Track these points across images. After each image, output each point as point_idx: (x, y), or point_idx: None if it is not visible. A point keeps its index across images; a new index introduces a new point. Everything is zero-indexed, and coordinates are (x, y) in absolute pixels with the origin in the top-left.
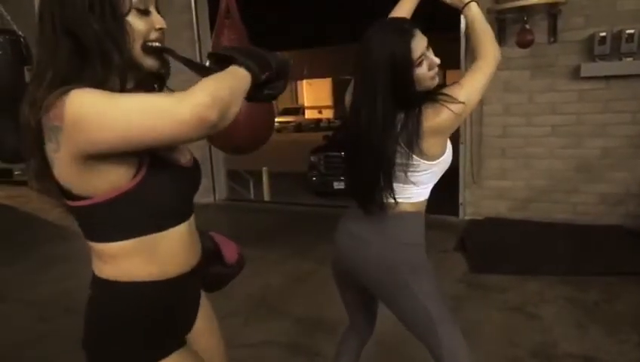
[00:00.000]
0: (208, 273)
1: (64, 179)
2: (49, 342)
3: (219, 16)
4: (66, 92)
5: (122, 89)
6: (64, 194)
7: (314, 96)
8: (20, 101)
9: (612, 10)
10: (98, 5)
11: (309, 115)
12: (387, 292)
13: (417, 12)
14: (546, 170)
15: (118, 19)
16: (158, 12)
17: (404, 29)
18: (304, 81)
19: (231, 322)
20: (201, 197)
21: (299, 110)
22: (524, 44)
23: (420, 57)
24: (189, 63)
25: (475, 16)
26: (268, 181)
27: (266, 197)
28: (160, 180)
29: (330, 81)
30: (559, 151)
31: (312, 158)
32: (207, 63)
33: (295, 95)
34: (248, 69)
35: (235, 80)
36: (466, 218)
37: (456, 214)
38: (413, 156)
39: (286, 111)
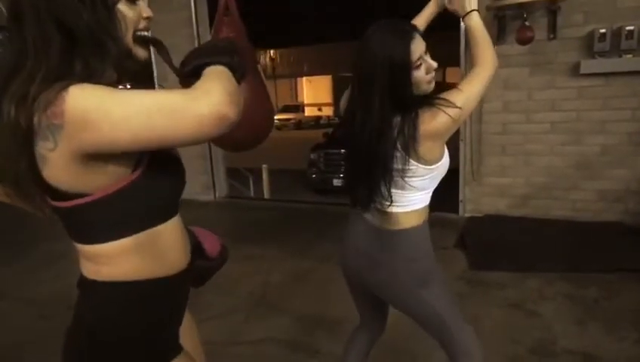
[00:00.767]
0: (192, 268)
1: (57, 179)
2: (49, 341)
3: (217, 13)
4: (65, 88)
5: (119, 81)
6: (53, 195)
7: (314, 93)
8: None
9: (612, 6)
10: None
11: (309, 112)
12: (403, 304)
13: (416, 10)
14: (546, 167)
15: (109, 8)
16: None
17: (403, 31)
18: (304, 79)
19: (232, 319)
20: (201, 195)
21: (298, 107)
22: (523, 41)
23: (418, 60)
24: (170, 63)
25: (475, 26)
26: (268, 178)
27: (266, 194)
28: (159, 171)
29: (330, 78)
30: (559, 148)
31: (312, 156)
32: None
33: (295, 92)
34: (228, 65)
35: (227, 77)
36: (466, 215)
37: (456, 211)
38: (411, 161)
39: (286, 109)
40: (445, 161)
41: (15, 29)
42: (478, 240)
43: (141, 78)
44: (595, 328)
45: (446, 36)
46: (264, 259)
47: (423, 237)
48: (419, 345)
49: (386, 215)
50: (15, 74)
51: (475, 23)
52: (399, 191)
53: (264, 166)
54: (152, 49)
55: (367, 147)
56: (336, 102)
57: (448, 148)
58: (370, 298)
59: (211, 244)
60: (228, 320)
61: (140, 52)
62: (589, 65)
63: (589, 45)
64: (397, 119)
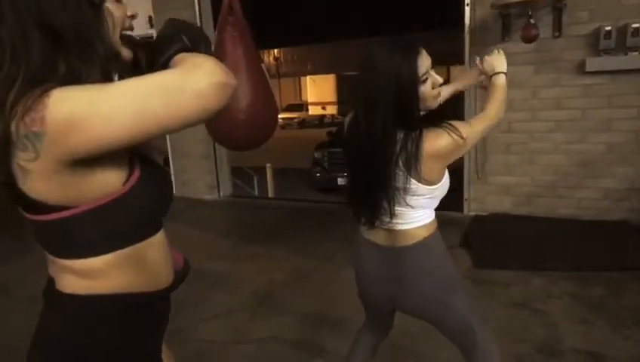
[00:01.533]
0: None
1: (39, 191)
2: None
3: (222, 13)
4: (45, 92)
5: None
6: (30, 208)
7: (318, 92)
8: None
9: (617, 3)
10: None
11: (313, 111)
12: (433, 316)
13: (423, 9)
14: (551, 166)
15: (95, 6)
16: None
17: (409, 46)
18: (308, 77)
19: (236, 318)
20: (206, 194)
21: (302, 106)
22: (528, 39)
23: (424, 75)
24: (151, 64)
25: (500, 85)
26: (272, 177)
27: (270, 193)
28: (150, 186)
29: (333, 77)
30: (564, 146)
31: (316, 154)
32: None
33: (299, 91)
34: (199, 50)
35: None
36: (471, 214)
37: (461, 210)
38: (411, 180)
39: (290, 108)
40: (445, 183)
41: None
42: (483, 238)
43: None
44: (600, 327)
45: (449, 35)
46: (268, 258)
47: (438, 245)
48: (425, 344)
49: (394, 233)
50: None
51: (500, 82)
52: (402, 209)
53: (268, 165)
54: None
55: (370, 162)
56: (340, 101)
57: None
58: (386, 309)
59: (177, 258)
60: (232, 318)
61: (125, 52)
62: (594, 63)
63: (595, 43)
64: (400, 135)
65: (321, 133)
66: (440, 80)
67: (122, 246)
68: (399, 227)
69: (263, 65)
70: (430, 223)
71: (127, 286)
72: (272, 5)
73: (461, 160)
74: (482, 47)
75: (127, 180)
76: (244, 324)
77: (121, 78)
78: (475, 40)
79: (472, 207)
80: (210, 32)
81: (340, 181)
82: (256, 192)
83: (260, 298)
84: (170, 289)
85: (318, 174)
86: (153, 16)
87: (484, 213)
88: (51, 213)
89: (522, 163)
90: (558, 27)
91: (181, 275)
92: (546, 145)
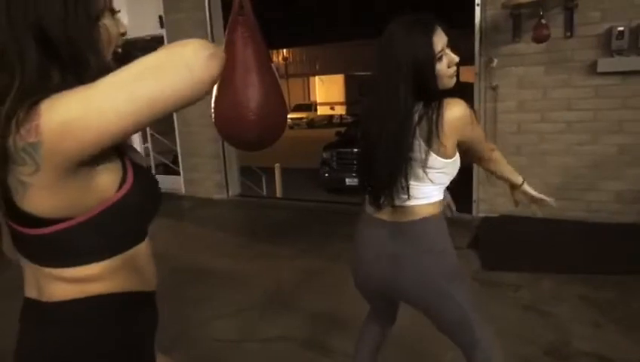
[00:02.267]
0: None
1: (37, 205)
2: None
3: (232, 12)
4: (35, 103)
5: None
6: (24, 223)
7: (326, 92)
8: None
9: (630, 3)
10: (72, 3)
11: (322, 111)
12: (429, 302)
13: (432, 8)
14: (561, 167)
15: (91, 19)
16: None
17: (425, 23)
18: (316, 78)
19: (245, 317)
20: (215, 193)
21: (311, 106)
22: (539, 39)
23: (440, 52)
24: None
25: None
26: (280, 177)
27: (279, 193)
28: (143, 186)
29: (342, 77)
30: (574, 148)
31: (324, 155)
32: None
33: (307, 91)
34: None
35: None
36: (480, 215)
37: (470, 211)
38: (430, 151)
39: (298, 108)
40: (457, 160)
41: None
42: (492, 240)
43: None
44: (610, 330)
45: (459, 35)
46: (277, 258)
47: (442, 227)
48: (432, 346)
49: (402, 208)
50: None
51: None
52: (415, 184)
53: (277, 165)
54: None
55: (392, 133)
56: (348, 101)
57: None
58: (387, 300)
59: None
60: (241, 317)
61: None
62: (606, 64)
63: (607, 43)
64: (419, 107)
65: (330, 134)
66: (456, 58)
67: (119, 251)
68: (409, 202)
69: (273, 65)
70: (437, 202)
71: (122, 286)
72: (281, 5)
73: (470, 161)
74: (492, 48)
75: (120, 186)
76: (253, 323)
77: None
78: (486, 40)
79: (481, 209)
80: (220, 31)
81: (348, 181)
82: (264, 192)
83: (268, 297)
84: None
85: (326, 174)
86: (164, 17)
87: (494, 215)
88: (49, 225)
89: (532, 164)
90: (569, 27)
91: None
92: (556, 146)
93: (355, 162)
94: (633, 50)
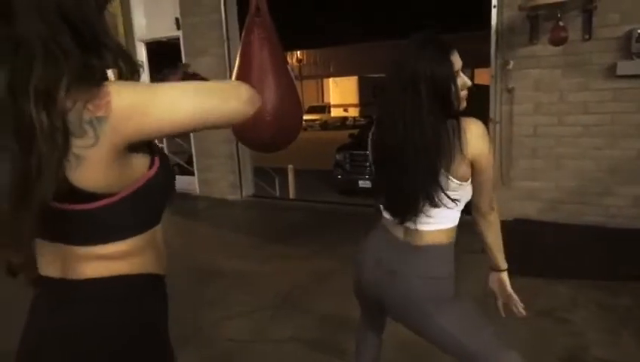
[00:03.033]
0: None
1: (87, 179)
2: None
3: (248, 14)
4: (97, 85)
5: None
6: (73, 199)
7: (340, 94)
8: None
9: None
10: None
11: (335, 113)
12: (413, 322)
13: (448, 10)
14: (578, 171)
15: (99, 6)
16: None
17: (443, 43)
18: (330, 79)
19: (257, 317)
20: (229, 194)
21: (325, 108)
22: (557, 42)
23: (456, 72)
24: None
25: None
26: (293, 178)
27: (292, 194)
28: (167, 168)
29: (356, 79)
30: (592, 151)
31: (338, 156)
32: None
33: (321, 93)
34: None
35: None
36: None
37: None
38: (448, 173)
39: (312, 110)
40: (470, 187)
41: (26, 18)
42: (506, 244)
43: None
44: (628, 338)
45: (475, 37)
46: (290, 259)
47: (446, 258)
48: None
49: (413, 232)
50: (17, 74)
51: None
52: (430, 207)
53: (290, 166)
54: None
55: (406, 155)
56: (362, 103)
57: None
58: (380, 310)
59: None
60: (254, 318)
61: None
62: (625, 67)
63: (626, 46)
64: (437, 126)
65: (343, 135)
66: (469, 82)
67: (145, 229)
68: (420, 227)
69: (289, 66)
70: (449, 230)
71: (143, 267)
72: (296, 7)
73: None
74: (509, 50)
75: (150, 166)
76: (265, 324)
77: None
78: (502, 42)
79: None
80: (235, 33)
81: (361, 183)
82: (277, 193)
83: (281, 298)
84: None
85: (339, 176)
86: (180, 19)
87: (508, 219)
88: (93, 201)
89: (548, 168)
90: (588, 30)
91: None
92: (573, 150)
93: (367, 164)
94: None
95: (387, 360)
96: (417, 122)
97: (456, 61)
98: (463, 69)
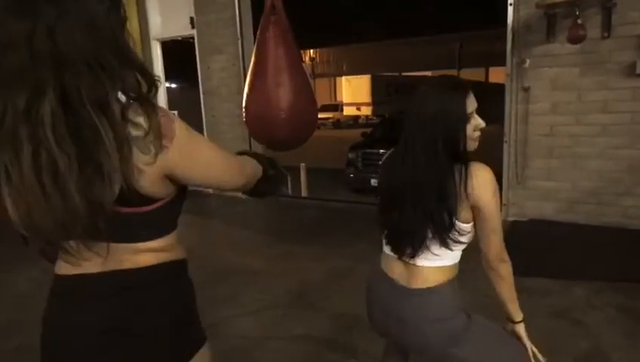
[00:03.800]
0: None
1: (148, 186)
2: None
3: (264, 12)
4: (169, 115)
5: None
6: (134, 203)
7: (352, 92)
8: None
9: None
10: (111, 10)
11: (348, 111)
12: (436, 360)
13: (463, 9)
14: (596, 171)
15: (124, 25)
16: None
17: (460, 85)
18: (343, 78)
19: (269, 315)
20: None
21: (337, 107)
22: (575, 40)
23: (470, 114)
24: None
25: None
26: (305, 177)
27: (304, 193)
28: None
29: (368, 78)
30: (611, 151)
31: (350, 155)
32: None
33: (334, 91)
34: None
35: (258, 169)
36: (509, 219)
37: None
38: (453, 217)
39: (324, 108)
40: (473, 232)
41: (99, 44)
42: (522, 244)
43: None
44: None
45: (491, 35)
46: (302, 257)
47: (452, 296)
48: None
49: (414, 269)
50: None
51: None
52: (431, 244)
53: (302, 164)
54: None
55: (416, 194)
56: (374, 102)
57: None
58: (396, 341)
59: None
60: (265, 315)
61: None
62: None
63: None
64: (446, 168)
65: (356, 134)
66: (482, 123)
67: (175, 227)
68: (420, 263)
69: (304, 64)
70: (450, 267)
71: (181, 254)
72: (310, 5)
73: (500, 163)
74: (525, 48)
75: None
76: (277, 321)
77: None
78: (519, 41)
79: (510, 212)
80: (249, 31)
81: (374, 182)
82: (289, 191)
83: (293, 296)
84: None
85: (351, 175)
86: (195, 18)
87: (524, 219)
88: (149, 204)
89: (565, 168)
90: (607, 27)
91: None
92: (591, 149)
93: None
94: None
95: None
96: (425, 163)
97: (471, 104)
98: (475, 67)
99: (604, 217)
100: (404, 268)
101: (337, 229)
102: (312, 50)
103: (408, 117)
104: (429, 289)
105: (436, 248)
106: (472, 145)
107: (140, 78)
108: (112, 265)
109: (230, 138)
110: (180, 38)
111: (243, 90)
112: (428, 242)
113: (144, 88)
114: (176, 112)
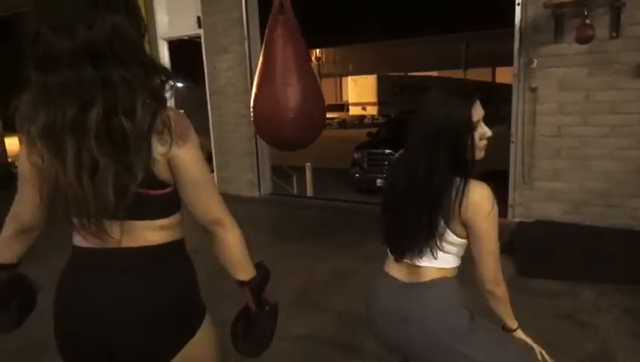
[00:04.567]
0: None
1: (163, 173)
2: None
3: (272, 11)
4: (183, 118)
5: None
6: (154, 187)
7: (358, 92)
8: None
9: None
10: (137, 27)
11: (353, 111)
12: (439, 361)
13: (470, 8)
14: (603, 172)
15: (144, 38)
16: None
17: (466, 93)
18: (349, 78)
19: None
20: (247, 191)
21: (343, 106)
22: (583, 40)
23: (476, 123)
24: None
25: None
26: (311, 176)
27: (309, 192)
28: None
29: (374, 77)
30: (618, 152)
31: (356, 155)
32: None
33: (339, 91)
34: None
35: (246, 255)
36: (516, 220)
37: (505, 216)
38: (447, 228)
39: (330, 108)
40: (465, 246)
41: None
42: (528, 245)
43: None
44: None
45: (498, 35)
46: (307, 257)
47: (453, 290)
48: None
49: (414, 269)
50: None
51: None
52: (434, 250)
53: (308, 164)
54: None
55: (417, 202)
56: (380, 102)
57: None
58: (403, 354)
59: None
60: None
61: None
62: None
63: None
64: (448, 179)
65: (361, 134)
66: (489, 132)
67: (179, 209)
68: (420, 263)
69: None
70: (450, 269)
71: (181, 234)
72: (317, 5)
73: (507, 164)
74: (533, 48)
75: None
76: (281, 321)
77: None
78: (526, 40)
79: (516, 213)
80: (256, 31)
81: (379, 182)
82: (295, 191)
83: (297, 296)
84: None
85: (357, 175)
86: (202, 17)
87: (530, 220)
88: (165, 188)
89: (572, 169)
90: (615, 27)
91: None
92: (598, 150)
93: (385, 163)
94: None
95: None
96: (426, 169)
97: (477, 113)
98: (482, 67)
99: (612, 219)
100: (404, 268)
101: (342, 229)
102: (318, 50)
103: (415, 117)
104: (431, 280)
105: (435, 252)
106: (477, 154)
107: (161, 79)
108: (127, 242)
109: (236, 137)
110: (186, 38)
111: (249, 89)
112: (423, 246)
113: (164, 90)
114: (182, 111)
